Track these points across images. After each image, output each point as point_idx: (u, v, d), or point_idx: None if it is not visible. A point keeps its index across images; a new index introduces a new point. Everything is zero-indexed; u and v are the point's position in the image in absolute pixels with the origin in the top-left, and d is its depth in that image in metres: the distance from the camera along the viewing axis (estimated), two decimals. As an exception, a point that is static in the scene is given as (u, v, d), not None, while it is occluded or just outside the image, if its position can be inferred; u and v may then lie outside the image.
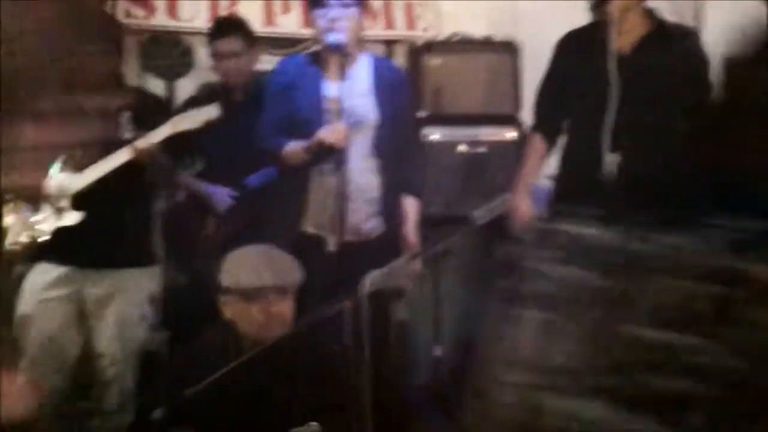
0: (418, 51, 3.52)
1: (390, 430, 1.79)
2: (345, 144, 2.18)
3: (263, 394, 1.81)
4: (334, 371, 1.79)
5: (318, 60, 2.43)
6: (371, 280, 1.49)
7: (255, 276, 1.81)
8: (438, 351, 3.45)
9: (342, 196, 2.16)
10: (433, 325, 3.46)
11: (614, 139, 2.18)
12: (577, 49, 2.40)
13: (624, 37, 2.30)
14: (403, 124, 2.49)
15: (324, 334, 2.05)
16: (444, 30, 3.59)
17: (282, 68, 2.51)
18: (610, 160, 2.15)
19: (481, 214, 1.58)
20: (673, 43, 2.33)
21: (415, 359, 3.49)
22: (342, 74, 2.23)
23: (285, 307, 1.82)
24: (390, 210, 2.44)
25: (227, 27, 3.00)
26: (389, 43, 3.65)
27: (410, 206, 2.47)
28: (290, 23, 3.44)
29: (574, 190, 2.42)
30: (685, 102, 2.30)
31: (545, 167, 2.55)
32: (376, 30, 3.55)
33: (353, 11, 2.35)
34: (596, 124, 2.23)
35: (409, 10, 3.61)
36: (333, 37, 2.27)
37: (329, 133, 2.18)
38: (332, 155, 2.18)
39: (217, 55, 2.96)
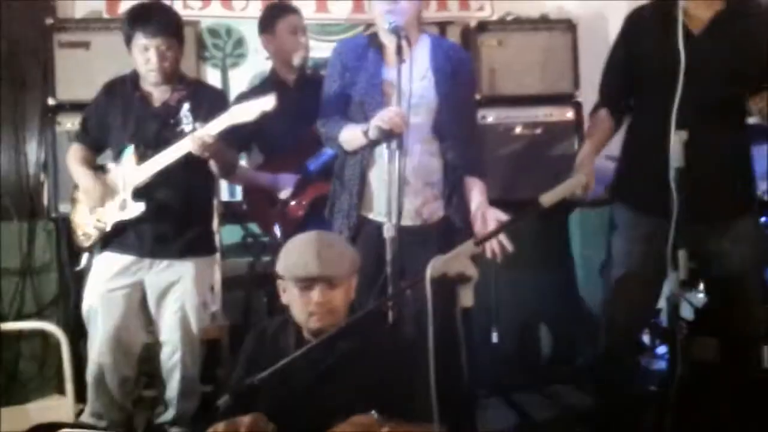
0: (472, 32, 3.47)
1: (455, 417, 1.77)
2: (403, 128, 2.14)
3: (325, 381, 1.80)
4: (397, 359, 1.79)
5: (377, 42, 2.40)
6: (435, 265, 1.46)
7: (301, 266, 1.80)
8: (495, 337, 3.44)
9: (401, 181, 2.12)
10: (491, 311, 3.46)
11: (682, 118, 2.10)
12: (646, 26, 2.31)
13: (696, 15, 2.21)
14: (463, 105, 2.44)
15: (385, 322, 2.06)
16: (497, 9, 3.52)
17: (342, 49, 2.47)
18: (677, 139, 2.07)
19: (547, 198, 1.53)
20: (747, 20, 2.23)
21: (476, 345, 3.48)
22: (401, 57, 2.18)
23: (335, 297, 1.81)
24: (452, 193, 2.40)
25: (284, 7, 3.10)
26: (442, 25, 3.60)
27: (477, 187, 2.42)
28: (342, 9, 3.43)
29: (639, 169, 2.35)
30: (756, 81, 2.20)
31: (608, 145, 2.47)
32: (429, 11, 3.52)
33: None
34: (664, 103, 2.15)
35: (462, -9, 3.56)
36: (391, 20, 2.23)
37: (387, 117, 2.14)
38: (391, 139, 2.15)
39: (275, 36, 3.04)
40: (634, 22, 2.38)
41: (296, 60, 3.04)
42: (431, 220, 2.38)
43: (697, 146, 2.07)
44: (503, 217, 2.31)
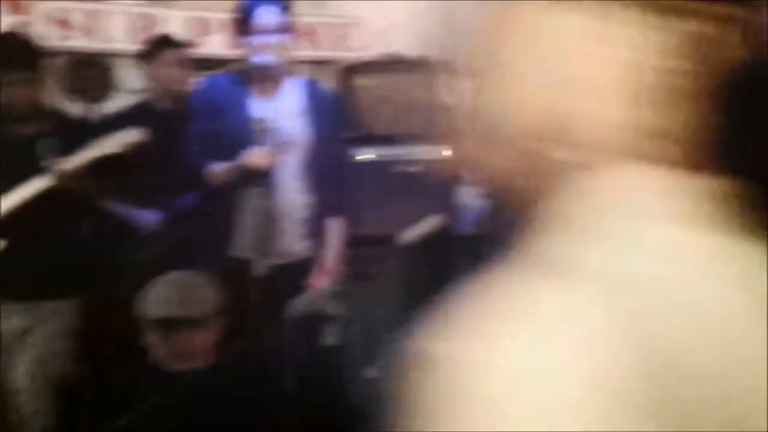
0: (348, 71, 3.52)
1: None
2: (270, 166, 2.12)
3: (187, 424, 1.74)
4: (261, 397, 1.74)
5: (246, 79, 2.39)
6: (297, 304, 1.44)
7: (164, 307, 1.75)
8: (372, 372, 3.43)
9: (270, 219, 2.11)
10: (367, 347, 3.45)
11: None
12: None
13: None
14: (332, 145, 2.47)
15: (250, 360, 2.01)
16: (374, 50, 3.59)
17: (208, 86, 2.45)
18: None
19: (408, 236, 1.56)
20: None
21: (349, 381, 3.46)
22: (270, 95, 2.18)
23: (198, 338, 1.76)
24: (319, 230, 2.41)
25: (168, 41, 3.07)
26: (318, 64, 3.62)
27: (332, 228, 2.43)
28: (214, 44, 3.40)
29: None
30: None
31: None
32: (304, 50, 3.54)
33: (280, 35, 2.31)
34: None
35: (337, 30, 3.60)
36: (259, 60, 2.23)
37: (255, 156, 2.13)
38: (259, 177, 2.13)
39: (158, 68, 3.00)
40: None
41: (177, 91, 2.98)
42: (300, 257, 2.38)
43: None
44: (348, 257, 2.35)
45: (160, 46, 3.08)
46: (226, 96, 2.36)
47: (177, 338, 1.73)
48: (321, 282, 2.31)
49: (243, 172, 2.16)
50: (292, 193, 2.35)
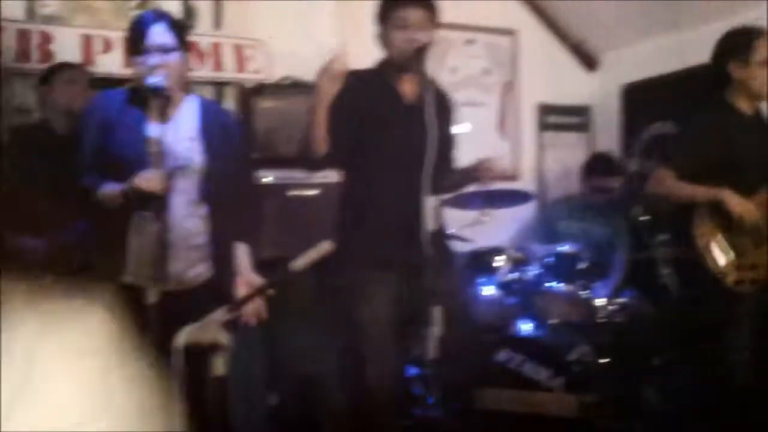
0: (249, 93, 3.51)
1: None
2: (163, 190, 2.08)
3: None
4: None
5: (140, 98, 2.33)
6: (185, 334, 1.42)
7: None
8: (274, 399, 3.41)
9: (161, 244, 2.06)
10: (266, 374, 3.42)
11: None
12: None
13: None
14: (234, 168, 2.42)
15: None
16: (275, 73, 3.59)
17: (100, 104, 2.36)
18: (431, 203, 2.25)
19: (298, 263, 1.56)
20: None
21: (249, 410, 3.40)
22: (164, 116, 2.13)
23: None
24: (219, 256, 2.37)
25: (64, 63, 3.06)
26: (219, 85, 3.59)
27: (242, 255, 2.40)
28: (111, 62, 3.31)
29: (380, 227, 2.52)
30: None
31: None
32: (204, 71, 3.51)
33: (174, 56, 2.28)
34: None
35: (239, 51, 3.58)
36: (151, 81, 2.18)
37: (145, 179, 2.08)
38: (152, 201, 2.08)
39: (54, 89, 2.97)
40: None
41: (74, 111, 2.90)
42: (196, 284, 2.33)
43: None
44: (258, 282, 2.32)
45: (53, 68, 3.04)
46: (117, 113, 2.29)
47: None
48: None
49: (134, 195, 2.10)
50: (188, 217, 2.30)
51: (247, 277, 2.34)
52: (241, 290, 2.30)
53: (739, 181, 2.74)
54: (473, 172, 2.50)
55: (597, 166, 4.19)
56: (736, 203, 2.69)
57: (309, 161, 2.43)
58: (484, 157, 2.50)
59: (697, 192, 2.76)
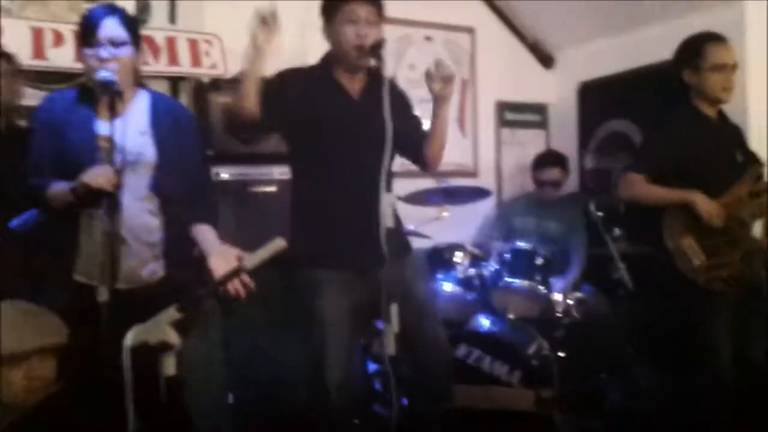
0: (204, 89, 3.46)
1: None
2: (113, 187, 2.03)
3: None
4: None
5: (90, 96, 2.28)
6: (134, 333, 1.39)
7: (15, 340, 1.63)
8: (230, 398, 3.37)
9: (113, 242, 2.01)
10: (224, 372, 3.38)
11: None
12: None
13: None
14: (187, 163, 2.38)
15: (90, 392, 1.91)
16: (231, 68, 3.54)
17: (50, 103, 2.31)
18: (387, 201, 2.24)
19: (249, 261, 1.54)
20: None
21: (207, 410, 3.36)
22: (115, 112, 2.08)
23: (47, 369, 1.66)
24: (172, 253, 2.32)
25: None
26: (174, 80, 3.53)
27: (208, 237, 2.33)
28: (62, 57, 3.22)
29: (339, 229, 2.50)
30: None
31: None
32: (160, 65, 3.44)
33: (125, 50, 2.24)
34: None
35: (194, 46, 3.52)
36: (104, 74, 2.13)
37: (95, 176, 2.03)
38: (102, 198, 2.03)
39: None
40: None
41: (9, 105, 2.80)
42: (151, 281, 2.29)
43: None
44: (243, 254, 2.20)
45: None
46: (69, 112, 2.25)
47: (23, 372, 1.61)
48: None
49: (83, 192, 2.05)
50: (140, 213, 2.26)
51: (222, 251, 2.26)
52: (219, 264, 2.21)
53: (708, 183, 2.79)
54: (432, 86, 2.48)
55: (544, 160, 4.26)
56: (705, 206, 2.74)
57: (238, 125, 2.37)
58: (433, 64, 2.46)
59: (667, 195, 2.82)
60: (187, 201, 2.35)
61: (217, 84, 3.46)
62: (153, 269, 2.29)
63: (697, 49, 2.83)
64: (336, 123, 2.44)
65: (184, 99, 3.57)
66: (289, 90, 2.39)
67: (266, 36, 2.23)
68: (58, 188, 2.16)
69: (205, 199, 2.45)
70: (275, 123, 2.41)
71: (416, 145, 2.56)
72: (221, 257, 2.22)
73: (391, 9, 3.94)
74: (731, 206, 2.78)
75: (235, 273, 1.97)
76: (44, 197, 2.19)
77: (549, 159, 4.27)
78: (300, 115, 2.40)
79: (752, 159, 2.93)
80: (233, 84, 3.44)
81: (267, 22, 2.22)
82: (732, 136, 2.93)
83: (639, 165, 2.93)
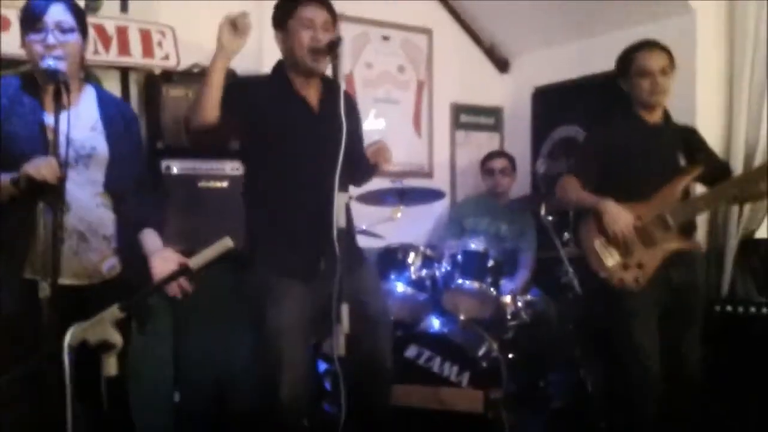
0: (156, 80, 3.38)
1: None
2: (57, 179, 1.96)
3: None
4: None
5: (34, 85, 2.20)
6: (74, 332, 1.34)
7: None
8: (177, 397, 3.31)
9: (56, 235, 1.94)
10: (172, 371, 3.31)
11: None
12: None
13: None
14: (135, 159, 2.36)
15: (26, 392, 1.85)
16: (184, 60, 3.47)
17: None
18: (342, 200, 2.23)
19: (195, 261, 1.50)
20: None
21: (153, 409, 3.29)
22: (60, 103, 2.00)
23: None
24: (127, 248, 2.28)
25: None
26: (124, 70, 3.44)
27: (152, 237, 2.32)
28: (8, 43, 3.10)
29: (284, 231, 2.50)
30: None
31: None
32: (110, 55, 3.35)
33: (73, 36, 2.16)
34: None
35: (146, 36, 3.43)
36: (50, 62, 2.06)
37: (39, 167, 1.96)
38: (48, 191, 1.96)
39: None
40: None
41: None
42: (110, 276, 2.24)
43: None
44: (183, 258, 2.23)
45: None
46: (11, 102, 2.16)
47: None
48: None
49: (25, 184, 1.97)
50: (96, 208, 2.21)
51: (163, 253, 2.26)
52: (159, 266, 2.22)
53: (634, 185, 2.89)
54: (372, 159, 2.49)
55: (491, 154, 4.41)
56: (611, 217, 2.82)
57: (194, 131, 2.31)
58: (375, 142, 2.50)
59: (581, 198, 2.93)
60: (136, 200, 2.32)
61: (168, 75, 3.38)
62: (112, 264, 2.26)
63: (627, 57, 2.96)
64: (296, 135, 2.42)
65: (135, 90, 3.49)
66: (250, 95, 2.36)
67: (232, 37, 2.19)
68: (2, 179, 2.08)
69: (151, 201, 2.42)
70: (235, 118, 2.35)
71: (352, 163, 2.51)
72: (161, 259, 2.24)
73: (348, 7, 3.97)
74: (654, 208, 2.85)
75: (176, 275, 1.93)
76: None
77: (496, 152, 4.45)
78: (259, 123, 2.37)
79: (702, 161, 2.98)
80: (186, 76, 3.40)
81: (236, 24, 2.18)
82: (674, 139, 2.99)
83: (571, 167, 3.11)
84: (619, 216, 2.82)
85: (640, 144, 2.91)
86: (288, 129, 2.40)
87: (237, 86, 2.37)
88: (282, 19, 2.42)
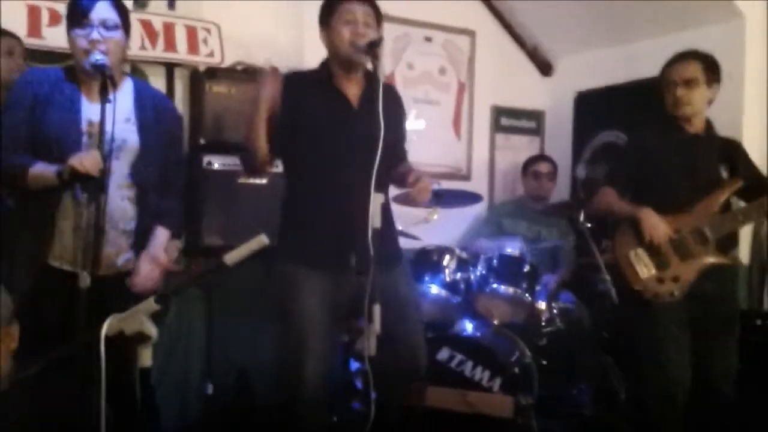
0: (201, 76, 3.44)
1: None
2: (100, 172, 2.01)
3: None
4: (69, 420, 1.64)
5: (76, 78, 2.25)
6: (111, 323, 1.37)
7: None
8: (209, 389, 3.36)
9: (97, 228, 1.99)
10: (204, 363, 3.37)
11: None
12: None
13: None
14: (164, 155, 2.38)
15: (59, 379, 1.89)
16: (228, 57, 3.52)
17: (32, 79, 2.26)
18: (377, 201, 2.24)
19: (230, 257, 1.52)
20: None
21: (184, 399, 3.35)
22: (103, 97, 2.05)
23: None
24: (143, 243, 2.32)
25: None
26: (170, 66, 3.50)
27: (159, 236, 2.35)
28: (58, 36, 3.18)
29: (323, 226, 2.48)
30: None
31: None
32: (156, 51, 3.42)
33: (117, 33, 2.21)
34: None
35: (192, 33, 3.50)
36: (95, 58, 2.11)
37: (83, 159, 2.01)
38: (86, 182, 2.01)
39: None
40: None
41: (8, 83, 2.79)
42: (124, 270, 2.27)
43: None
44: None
45: None
46: (51, 91, 2.21)
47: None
48: (136, 287, 2.24)
49: (70, 176, 2.02)
50: (120, 201, 2.25)
51: (153, 253, 2.30)
52: (143, 265, 2.26)
53: (670, 196, 2.84)
54: (409, 186, 2.42)
55: (534, 157, 4.40)
56: (649, 222, 2.79)
57: (251, 167, 2.39)
58: (419, 175, 2.43)
59: (620, 208, 2.90)
60: (156, 195, 2.35)
61: (213, 72, 3.43)
62: (128, 257, 2.29)
63: (663, 70, 2.93)
64: (335, 130, 2.42)
65: (180, 86, 3.55)
66: (291, 91, 2.38)
67: (271, 90, 2.24)
68: (41, 169, 2.13)
69: (173, 199, 2.45)
70: (284, 157, 2.45)
71: (391, 158, 2.50)
72: (148, 261, 2.29)
73: (390, 7, 3.96)
74: (692, 221, 2.79)
75: (212, 271, 1.94)
76: (25, 176, 2.15)
77: (540, 156, 4.44)
78: (299, 119, 2.39)
79: (745, 174, 2.92)
80: (230, 73, 3.45)
81: (273, 73, 2.24)
82: (716, 151, 2.93)
83: (609, 177, 3.07)
84: (658, 224, 2.79)
85: (678, 155, 2.86)
86: (326, 123, 2.42)
87: (282, 121, 2.36)
88: (326, 16, 2.45)
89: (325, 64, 2.52)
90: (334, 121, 2.42)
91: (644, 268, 2.83)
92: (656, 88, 2.94)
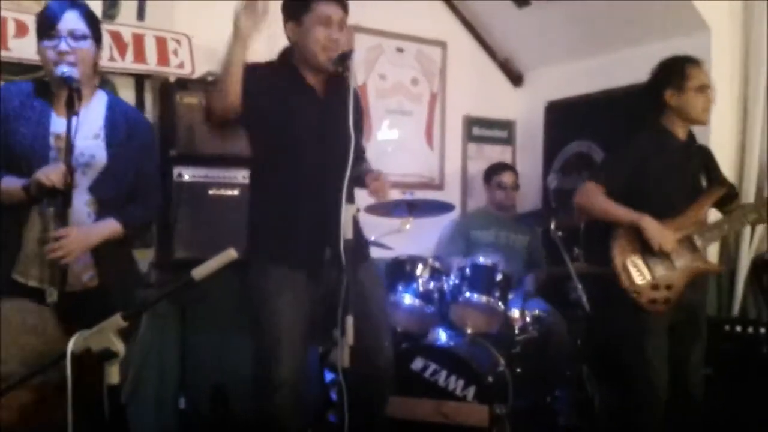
0: (171, 88, 3.41)
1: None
2: (66, 186, 1.98)
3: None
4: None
5: (46, 91, 2.23)
6: (77, 340, 1.35)
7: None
8: (182, 403, 3.32)
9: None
10: (178, 377, 3.33)
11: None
12: None
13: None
14: (128, 169, 2.33)
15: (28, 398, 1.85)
16: (198, 68, 3.50)
17: (3, 95, 2.23)
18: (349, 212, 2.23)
19: (198, 272, 1.50)
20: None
21: (159, 413, 3.30)
22: (71, 110, 2.03)
23: None
24: (102, 259, 2.27)
25: None
26: (139, 78, 3.47)
27: (104, 222, 2.25)
28: (25, 48, 3.14)
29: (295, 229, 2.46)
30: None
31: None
32: (125, 62, 3.38)
33: (86, 44, 2.19)
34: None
35: (162, 44, 3.46)
36: (62, 71, 2.09)
37: (49, 173, 1.98)
38: (53, 196, 1.98)
39: None
40: None
41: None
42: (91, 285, 2.24)
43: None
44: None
45: None
46: (22, 107, 2.19)
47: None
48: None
49: (36, 191, 1.99)
50: (86, 218, 2.21)
51: (86, 229, 2.19)
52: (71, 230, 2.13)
53: (660, 203, 2.83)
54: (368, 183, 2.38)
55: (496, 167, 4.39)
56: (655, 232, 2.77)
57: (219, 109, 2.23)
58: (376, 172, 2.40)
59: (620, 213, 2.84)
60: (120, 208, 2.29)
61: (183, 83, 3.41)
62: (92, 274, 2.25)
63: (681, 70, 2.86)
64: (303, 117, 2.38)
65: (149, 97, 3.51)
66: (257, 82, 2.33)
67: (251, 21, 2.12)
68: (9, 183, 2.10)
69: (138, 206, 2.38)
70: (251, 119, 2.33)
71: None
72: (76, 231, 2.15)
73: (364, 18, 3.98)
74: (682, 228, 2.82)
75: (180, 287, 1.89)
76: None
77: (502, 165, 4.41)
78: (267, 108, 2.34)
79: (718, 182, 2.96)
80: (201, 84, 3.42)
81: (254, 8, 2.12)
82: (698, 157, 2.96)
83: (598, 175, 2.95)
84: (665, 232, 2.77)
85: (670, 160, 2.86)
86: (295, 111, 2.37)
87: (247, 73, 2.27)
88: (297, 11, 2.39)
89: (286, 55, 2.47)
90: (303, 110, 2.38)
91: (639, 275, 2.82)
92: (670, 90, 2.86)
